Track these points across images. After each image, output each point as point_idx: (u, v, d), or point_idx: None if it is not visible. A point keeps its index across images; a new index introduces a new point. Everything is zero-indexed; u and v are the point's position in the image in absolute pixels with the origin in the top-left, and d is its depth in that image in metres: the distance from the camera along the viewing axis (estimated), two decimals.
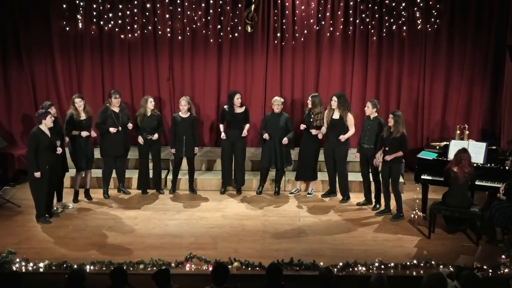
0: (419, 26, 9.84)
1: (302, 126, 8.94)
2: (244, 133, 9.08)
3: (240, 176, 9.27)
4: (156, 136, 8.98)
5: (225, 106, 9.18)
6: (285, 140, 8.95)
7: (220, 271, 5.39)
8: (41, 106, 8.39)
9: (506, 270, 6.86)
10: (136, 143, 9.11)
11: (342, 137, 8.72)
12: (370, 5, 9.83)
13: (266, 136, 8.94)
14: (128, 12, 9.87)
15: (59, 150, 8.09)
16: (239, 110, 9.11)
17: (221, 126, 9.21)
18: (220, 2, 9.89)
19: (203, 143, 10.33)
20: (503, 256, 7.15)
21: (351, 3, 9.82)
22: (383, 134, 8.33)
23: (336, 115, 8.76)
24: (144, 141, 8.95)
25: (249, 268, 6.86)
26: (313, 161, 9.09)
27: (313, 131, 8.85)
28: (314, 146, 9.03)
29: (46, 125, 7.82)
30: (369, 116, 8.59)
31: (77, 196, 8.86)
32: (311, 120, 8.90)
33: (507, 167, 8.02)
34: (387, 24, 9.88)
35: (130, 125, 8.94)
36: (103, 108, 8.89)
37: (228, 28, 9.98)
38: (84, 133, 8.52)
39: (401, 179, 8.97)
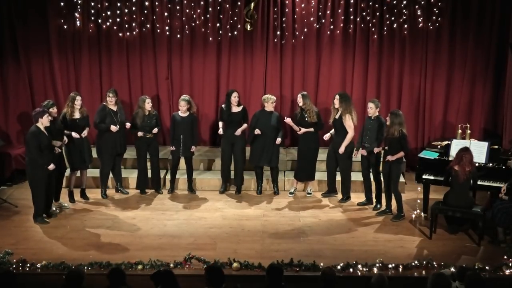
0: (421, 24, 9.78)
1: (302, 130, 8.83)
2: (238, 131, 8.98)
3: (239, 176, 9.20)
4: (155, 130, 8.91)
5: (223, 105, 9.13)
6: (278, 140, 8.88)
7: (215, 273, 5.32)
8: (42, 104, 8.29)
9: (509, 271, 6.79)
10: (134, 140, 9.04)
11: (341, 149, 8.65)
12: (370, 3, 9.76)
13: (257, 131, 8.84)
14: (126, 10, 9.80)
15: (58, 150, 8.06)
16: (236, 109, 9.03)
17: (220, 123, 9.17)
18: (219, 0, 9.82)
19: (202, 142, 10.26)
20: (505, 257, 7.08)
21: (352, 1, 9.75)
22: (384, 132, 8.26)
23: (338, 115, 8.69)
24: (143, 136, 8.88)
25: (249, 269, 6.79)
26: (311, 161, 9.01)
27: (302, 130, 8.79)
28: (313, 147, 8.95)
29: (42, 124, 7.75)
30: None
31: (72, 196, 8.77)
32: (306, 119, 8.82)
33: (509, 167, 7.95)
34: (388, 22, 9.81)
35: (128, 124, 8.88)
36: (101, 106, 8.83)
37: (228, 26, 9.91)
38: (75, 134, 8.44)
39: (402, 179, 8.91)
